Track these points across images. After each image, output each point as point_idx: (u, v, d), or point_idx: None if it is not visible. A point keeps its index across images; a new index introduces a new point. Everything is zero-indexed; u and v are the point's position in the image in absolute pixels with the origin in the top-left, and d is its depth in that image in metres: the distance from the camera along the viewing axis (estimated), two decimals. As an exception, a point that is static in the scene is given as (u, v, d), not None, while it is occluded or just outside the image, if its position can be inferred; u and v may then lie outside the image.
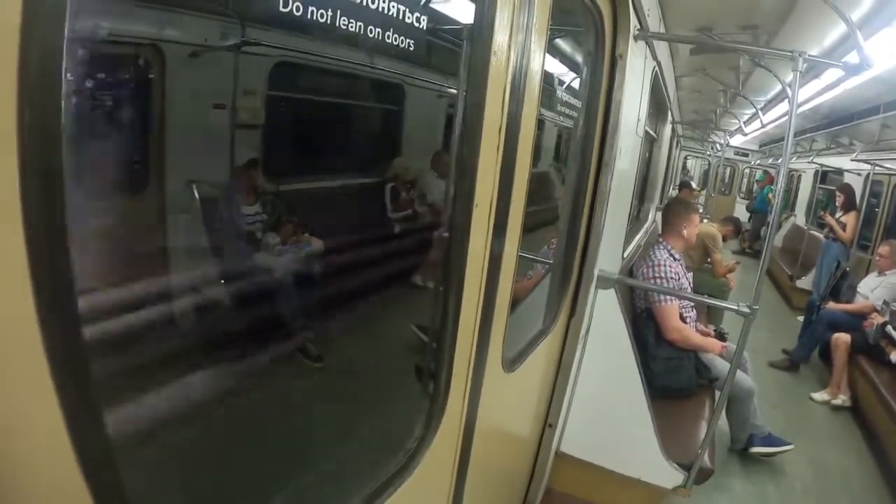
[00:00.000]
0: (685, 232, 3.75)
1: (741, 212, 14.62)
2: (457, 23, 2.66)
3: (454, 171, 1.39)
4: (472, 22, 1.32)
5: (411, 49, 1.76)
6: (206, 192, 2.90)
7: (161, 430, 2.08)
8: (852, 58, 2.71)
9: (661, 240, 3.78)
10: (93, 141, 2.26)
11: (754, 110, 6.22)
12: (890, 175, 7.26)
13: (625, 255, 3.73)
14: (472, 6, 1.35)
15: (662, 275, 3.50)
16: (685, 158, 15.50)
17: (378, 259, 3.86)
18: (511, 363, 1.94)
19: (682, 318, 3.48)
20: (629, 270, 3.79)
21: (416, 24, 1.73)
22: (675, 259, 3.63)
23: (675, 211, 3.91)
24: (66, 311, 0.63)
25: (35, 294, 0.57)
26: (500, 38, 1.31)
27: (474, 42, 1.30)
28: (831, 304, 5.86)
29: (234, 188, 3.19)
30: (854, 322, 5.37)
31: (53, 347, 0.60)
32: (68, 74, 0.56)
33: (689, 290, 3.82)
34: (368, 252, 3.84)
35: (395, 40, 1.70)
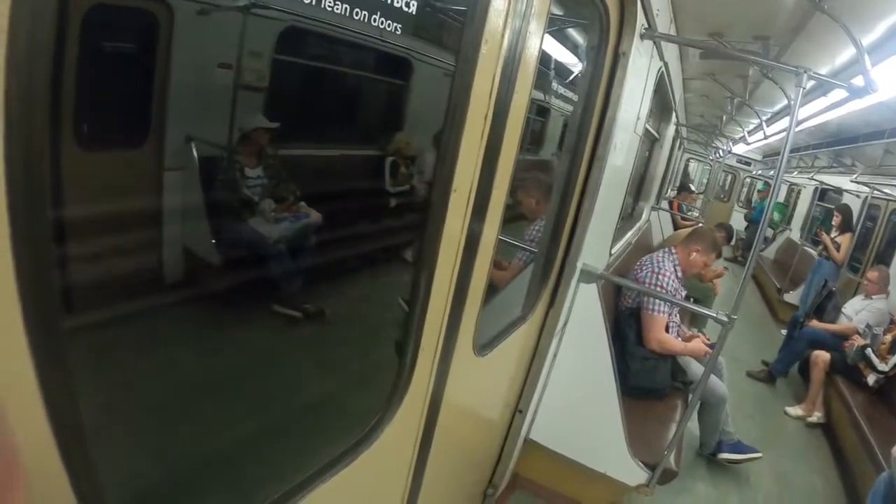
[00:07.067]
0: (693, 256, 3.73)
1: (738, 220, 14.64)
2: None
3: (434, 155, 1.39)
4: (466, 6, 1.31)
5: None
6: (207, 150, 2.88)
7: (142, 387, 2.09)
8: (860, 80, 2.68)
9: (672, 250, 3.76)
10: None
11: (759, 121, 6.20)
12: (888, 200, 7.30)
13: (613, 251, 3.73)
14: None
15: (663, 284, 3.49)
16: (688, 161, 15.44)
17: (373, 233, 3.84)
18: (483, 348, 1.96)
19: (667, 326, 3.50)
20: (617, 268, 3.79)
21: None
22: (677, 277, 3.63)
23: (702, 236, 3.87)
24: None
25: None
26: (494, 23, 1.31)
27: (466, 26, 1.29)
28: (814, 323, 5.90)
29: (240, 149, 3.16)
30: (835, 342, 5.42)
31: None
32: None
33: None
34: (364, 225, 3.83)
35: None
